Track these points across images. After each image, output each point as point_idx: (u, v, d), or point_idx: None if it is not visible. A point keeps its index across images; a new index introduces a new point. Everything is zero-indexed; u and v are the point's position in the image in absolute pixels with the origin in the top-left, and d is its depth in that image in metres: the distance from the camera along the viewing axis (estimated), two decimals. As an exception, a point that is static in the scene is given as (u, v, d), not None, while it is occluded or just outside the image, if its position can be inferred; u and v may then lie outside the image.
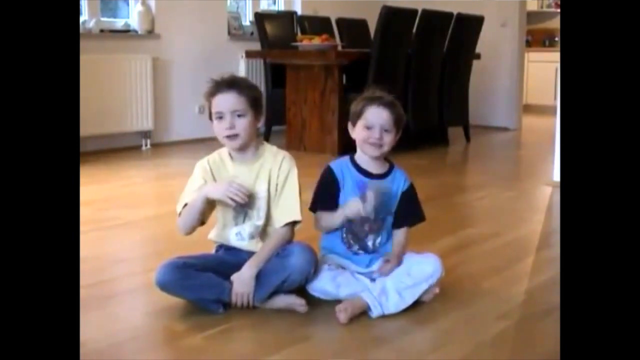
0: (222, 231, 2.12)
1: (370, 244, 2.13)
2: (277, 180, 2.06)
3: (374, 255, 2.13)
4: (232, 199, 1.97)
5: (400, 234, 2.16)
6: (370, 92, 2.13)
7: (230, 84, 2.01)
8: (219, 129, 2.02)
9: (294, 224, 2.07)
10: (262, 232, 2.09)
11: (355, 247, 2.13)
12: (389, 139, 2.07)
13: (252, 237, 2.08)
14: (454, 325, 1.96)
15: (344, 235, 2.12)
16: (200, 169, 2.10)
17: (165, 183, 4.15)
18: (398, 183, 2.15)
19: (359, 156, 2.14)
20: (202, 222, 2.07)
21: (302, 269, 1.96)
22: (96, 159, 4.75)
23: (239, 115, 2.00)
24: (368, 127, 2.06)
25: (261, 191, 2.06)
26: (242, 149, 2.06)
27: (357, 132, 2.10)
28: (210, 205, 2.06)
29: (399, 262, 2.08)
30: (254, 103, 2.03)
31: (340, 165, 2.14)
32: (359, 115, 2.09)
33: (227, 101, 2.00)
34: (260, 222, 2.08)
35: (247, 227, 2.08)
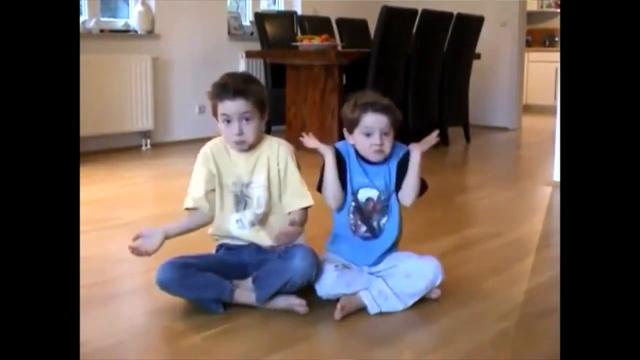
0: (223, 220, 2.11)
1: (375, 224, 2.13)
2: (278, 167, 2.09)
3: (378, 240, 2.12)
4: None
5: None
6: (362, 97, 2.11)
7: (237, 90, 2.00)
8: (228, 133, 2.04)
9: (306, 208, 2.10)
10: (263, 220, 2.10)
11: (362, 229, 2.12)
12: (388, 142, 2.08)
13: (252, 224, 2.09)
14: (454, 325, 1.96)
15: (351, 216, 2.12)
16: (202, 156, 2.13)
17: (165, 183, 4.15)
18: (395, 158, 2.14)
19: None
20: (211, 216, 2.11)
21: (305, 272, 1.97)
22: (96, 159, 4.74)
23: (246, 119, 2.02)
24: (367, 134, 2.06)
25: (260, 180, 2.08)
26: (249, 149, 2.08)
27: (355, 139, 2.10)
28: (212, 193, 2.10)
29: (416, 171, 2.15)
30: (260, 105, 2.06)
31: (346, 147, 2.14)
32: (356, 123, 2.08)
33: (235, 107, 2.01)
34: (260, 211, 2.09)
35: (247, 215, 2.09)
